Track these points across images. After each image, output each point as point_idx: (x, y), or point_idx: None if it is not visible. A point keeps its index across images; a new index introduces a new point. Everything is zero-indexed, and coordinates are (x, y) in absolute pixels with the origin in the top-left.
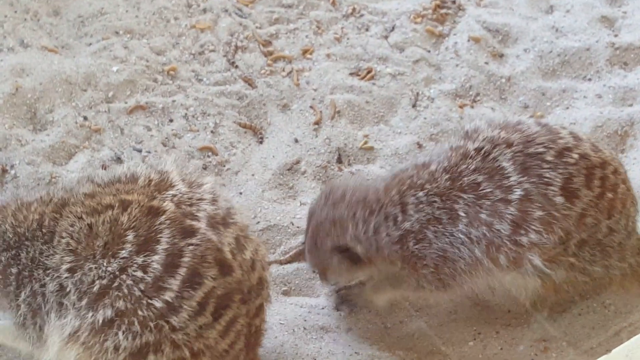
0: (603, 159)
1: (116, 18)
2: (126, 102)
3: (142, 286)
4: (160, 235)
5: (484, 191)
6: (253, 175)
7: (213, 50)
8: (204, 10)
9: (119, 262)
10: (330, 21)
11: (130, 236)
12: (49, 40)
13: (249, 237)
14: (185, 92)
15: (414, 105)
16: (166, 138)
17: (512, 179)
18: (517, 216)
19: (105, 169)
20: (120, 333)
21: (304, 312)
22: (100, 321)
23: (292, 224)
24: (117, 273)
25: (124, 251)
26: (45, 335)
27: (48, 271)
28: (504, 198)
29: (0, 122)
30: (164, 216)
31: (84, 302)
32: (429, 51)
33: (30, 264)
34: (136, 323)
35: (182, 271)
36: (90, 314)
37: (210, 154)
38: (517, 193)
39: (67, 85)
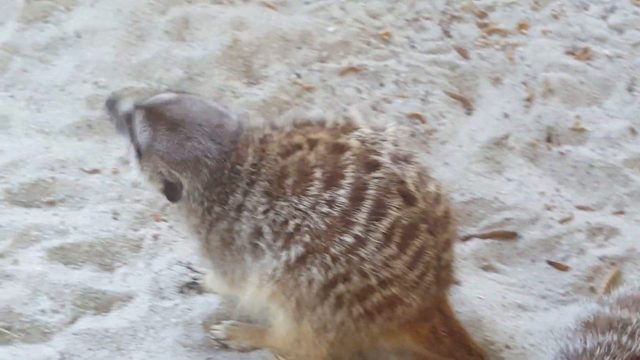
0: None
1: None
2: (339, 63)
3: (330, 221)
4: (345, 170)
5: None
6: (460, 146)
7: (428, 18)
8: None
9: (309, 199)
10: None
11: (317, 173)
12: None
13: (431, 176)
14: (397, 57)
15: (629, 90)
16: (376, 102)
17: None
18: None
19: None
20: (313, 268)
21: (503, 289)
22: (294, 258)
23: (497, 199)
24: (308, 211)
25: (312, 188)
26: (241, 277)
27: (244, 212)
28: None
29: (217, 72)
30: (349, 152)
31: (279, 243)
32: None
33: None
34: (328, 258)
35: (368, 203)
36: (284, 252)
37: (418, 121)
38: None
39: (282, 42)
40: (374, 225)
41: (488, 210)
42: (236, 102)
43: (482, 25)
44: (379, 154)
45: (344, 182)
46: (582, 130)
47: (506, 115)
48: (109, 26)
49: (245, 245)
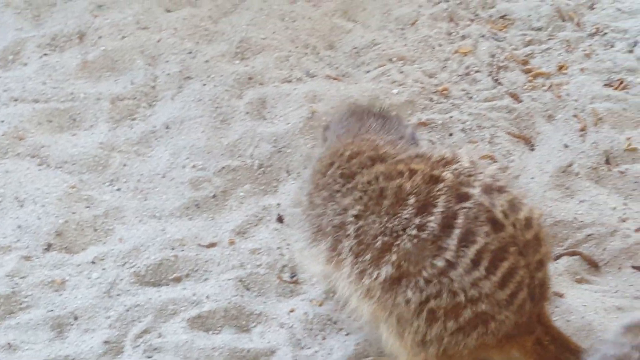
0: None
1: (388, 47)
2: (409, 120)
3: (421, 244)
4: (437, 200)
5: None
6: (532, 178)
7: (478, 71)
8: (463, 37)
9: (400, 221)
10: (578, 40)
11: (411, 200)
12: (331, 70)
13: (524, 203)
14: (459, 108)
15: None
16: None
17: None
18: None
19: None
20: (408, 290)
21: (600, 296)
22: (387, 279)
23: (576, 219)
24: (400, 232)
25: (405, 212)
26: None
27: (333, 205)
28: None
29: (302, 142)
30: (442, 184)
31: (367, 257)
32: None
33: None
34: (421, 281)
35: (457, 232)
36: (376, 272)
37: (490, 161)
38: None
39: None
40: (463, 251)
41: (570, 229)
42: None
43: (526, 71)
44: (471, 186)
45: (435, 210)
46: (634, 149)
47: (566, 146)
48: (194, 115)
49: (329, 233)
